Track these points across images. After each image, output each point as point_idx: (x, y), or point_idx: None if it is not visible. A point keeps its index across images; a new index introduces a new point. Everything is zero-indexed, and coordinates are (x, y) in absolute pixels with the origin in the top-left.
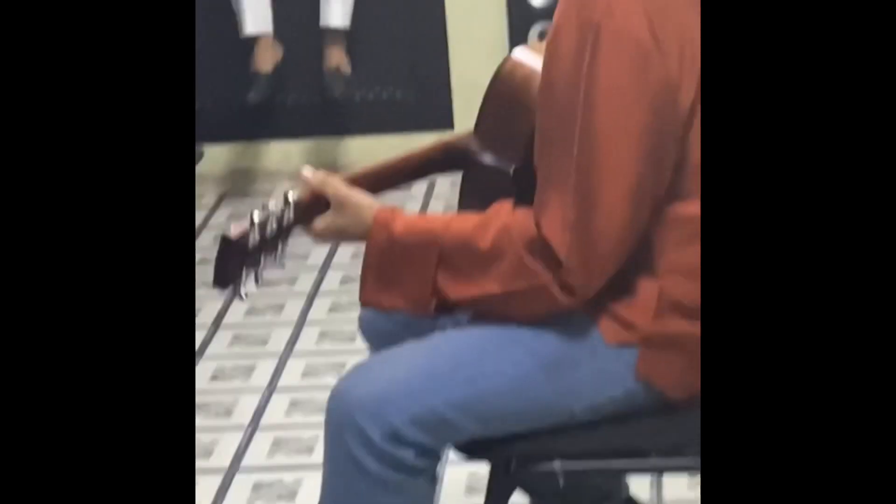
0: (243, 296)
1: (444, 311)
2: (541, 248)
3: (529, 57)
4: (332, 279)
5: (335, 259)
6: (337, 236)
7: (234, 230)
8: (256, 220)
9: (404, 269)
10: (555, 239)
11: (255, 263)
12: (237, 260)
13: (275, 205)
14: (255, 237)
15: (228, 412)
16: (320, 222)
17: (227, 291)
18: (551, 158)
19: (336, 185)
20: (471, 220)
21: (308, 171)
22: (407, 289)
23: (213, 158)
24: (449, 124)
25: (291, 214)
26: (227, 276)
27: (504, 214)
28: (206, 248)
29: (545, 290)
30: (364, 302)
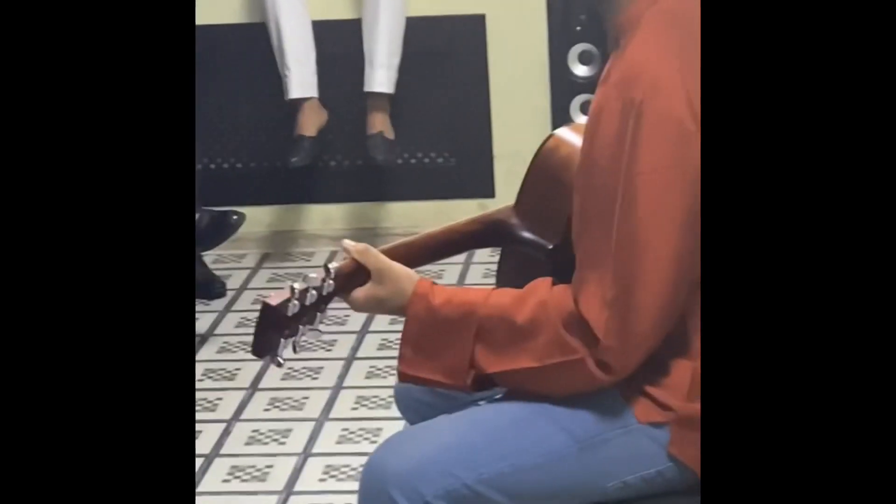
0: (281, 362)
1: (481, 385)
2: (578, 324)
3: (572, 136)
4: (370, 344)
5: (373, 325)
6: (376, 307)
7: (275, 298)
8: (297, 288)
9: (443, 341)
10: (592, 317)
11: (293, 332)
12: (276, 328)
13: (315, 275)
14: (294, 306)
15: (263, 477)
16: (360, 292)
17: (266, 358)
18: (591, 237)
19: (376, 257)
20: (509, 294)
21: (349, 243)
22: (445, 362)
23: (256, 220)
24: (490, 193)
25: (332, 284)
26: (266, 345)
27: (542, 290)
28: (245, 308)
29: (582, 365)
30: (402, 376)
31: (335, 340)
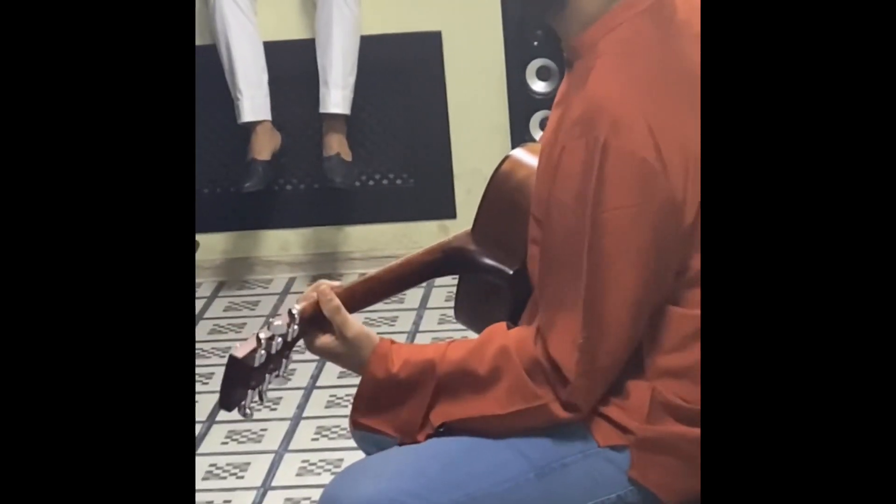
0: (249, 413)
1: (433, 435)
2: (542, 368)
3: (528, 157)
4: (330, 372)
5: (320, 379)
6: (333, 360)
7: (241, 350)
8: (263, 337)
9: (399, 401)
10: (564, 359)
11: (260, 381)
12: (244, 380)
13: (280, 322)
14: (261, 356)
15: (242, 472)
16: (320, 342)
17: (236, 410)
18: (557, 278)
19: (338, 307)
20: (465, 345)
21: (324, 287)
22: (398, 419)
23: (210, 247)
24: (451, 214)
25: (296, 329)
26: (232, 398)
27: (499, 336)
28: (202, 339)
29: (545, 409)
30: (354, 423)
31: (294, 370)
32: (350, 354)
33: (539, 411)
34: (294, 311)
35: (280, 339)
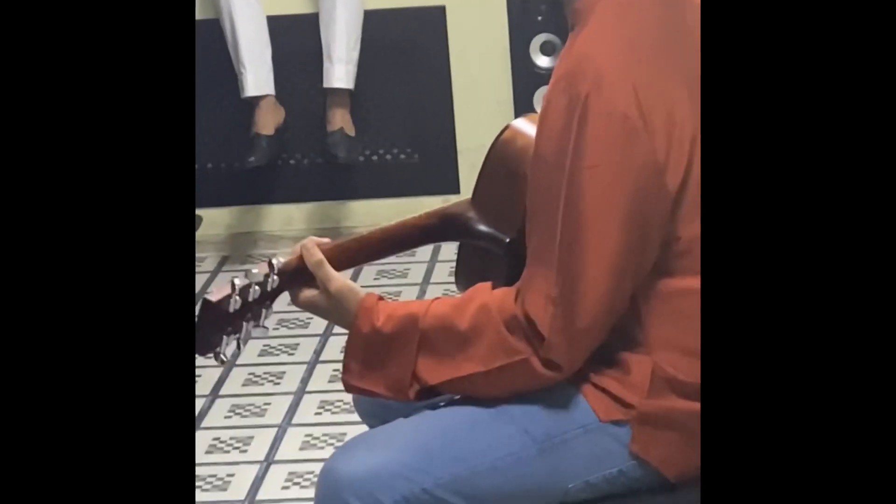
0: (224, 360)
1: (425, 396)
2: (521, 324)
3: (528, 127)
4: (334, 346)
5: (336, 327)
6: (318, 314)
7: (215, 294)
8: (238, 283)
9: (386, 356)
10: (538, 314)
11: (237, 329)
12: (218, 325)
13: (258, 270)
14: (236, 301)
15: (225, 486)
16: (304, 295)
17: (210, 356)
18: (538, 233)
19: (321, 262)
20: (449, 302)
21: (309, 241)
22: (388, 376)
23: (214, 223)
24: (455, 189)
25: (276, 280)
26: (208, 343)
27: (482, 294)
28: None
29: (527, 365)
30: (347, 387)
31: (297, 344)
32: (334, 308)
33: (520, 367)
34: (274, 262)
35: (258, 288)
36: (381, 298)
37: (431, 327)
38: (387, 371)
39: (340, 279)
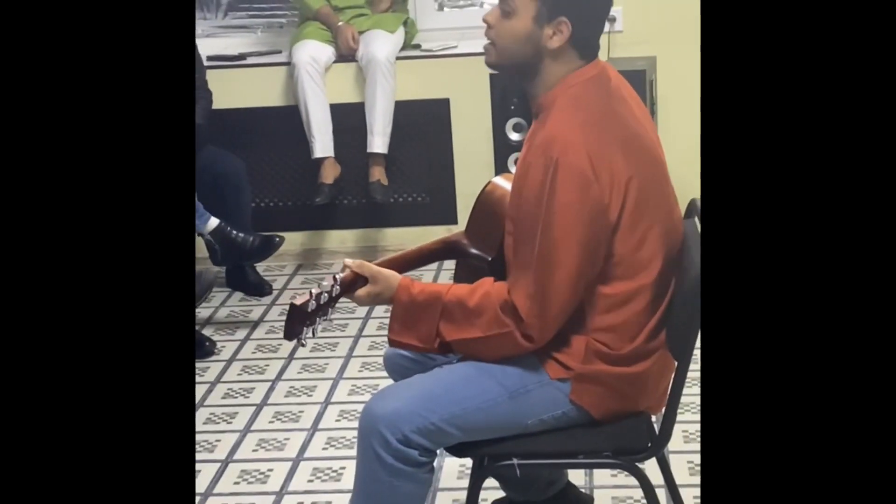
0: (304, 344)
1: (444, 350)
2: (510, 308)
3: (504, 182)
4: (371, 325)
5: (365, 330)
6: (374, 300)
7: (299, 300)
8: (314, 292)
9: (418, 318)
10: (520, 304)
11: (312, 322)
12: (300, 320)
13: (327, 282)
14: (312, 304)
15: (297, 418)
16: (362, 291)
17: (294, 341)
18: (521, 251)
19: (370, 266)
20: (464, 287)
21: (349, 261)
22: (420, 332)
23: (292, 242)
24: (454, 221)
25: (338, 289)
26: (293, 332)
27: (487, 284)
28: (285, 303)
29: (512, 336)
30: (391, 342)
31: (346, 324)
32: (383, 289)
33: (507, 337)
34: (336, 276)
35: (326, 295)
36: (413, 280)
37: (450, 302)
38: (418, 329)
39: (383, 269)
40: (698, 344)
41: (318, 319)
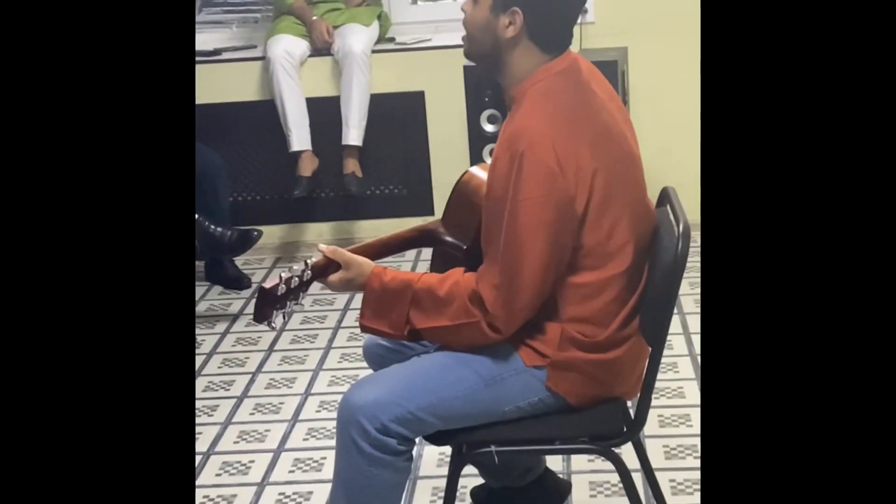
0: (274, 327)
1: (414, 337)
2: (478, 299)
3: (479, 172)
4: (351, 317)
5: (344, 321)
6: (346, 286)
7: (269, 283)
8: (284, 276)
9: (389, 306)
10: (486, 295)
11: (283, 306)
12: (270, 303)
13: (297, 267)
14: (282, 288)
15: (277, 410)
16: (334, 277)
17: (265, 324)
18: (490, 242)
19: (343, 252)
20: (434, 276)
21: (322, 245)
22: (391, 319)
23: (270, 235)
24: (430, 212)
25: (309, 273)
26: (262, 314)
27: (456, 275)
28: None
29: (478, 326)
30: (362, 328)
31: (325, 315)
32: (355, 276)
33: (474, 327)
34: (308, 261)
35: (296, 279)
36: (385, 268)
37: (421, 290)
38: (389, 316)
39: (356, 256)
40: (671, 330)
41: (288, 304)
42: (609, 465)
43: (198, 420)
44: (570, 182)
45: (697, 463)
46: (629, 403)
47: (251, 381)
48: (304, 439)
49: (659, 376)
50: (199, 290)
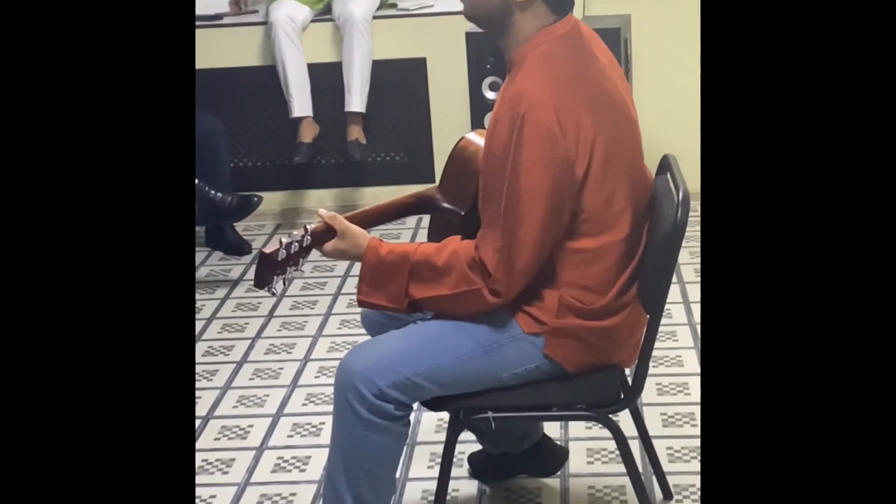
0: (275, 293)
1: (413, 308)
2: (477, 265)
3: (477, 138)
4: (350, 284)
5: (344, 288)
6: (340, 256)
7: (269, 248)
8: (284, 241)
9: (386, 279)
10: (488, 260)
11: (283, 272)
12: (270, 269)
13: (297, 232)
14: (282, 253)
15: (276, 375)
16: (329, 245)
17: (265, 290)
18: (489, 206)
19: (341, 221)
20: (431, 245)
21: (322, 211)
22: (389, 292)
23: (270, 201)
24: (431, 179)
25: (308, 239)
26: (263, 280)
27: (454, 243)
28: None
29: (479, 293)
30: (360, 302)
31: (325, 282)
32: (350, 247)
33: (475, 294)
34: (307, 226)
35: (296, 245)
36: (382, 239)
37: (419, 261)
38: (388, 289)
39: (354, 227)
40: (670, 298)
41: (288, 269)
42: (606, 433)
43: (197, 384)
44: (570, 145)
45: (695, 430)
46: (627, 371)
47: (251, 347)
48: (303, 404)
49: (658, 345)
50: (200, 256)
